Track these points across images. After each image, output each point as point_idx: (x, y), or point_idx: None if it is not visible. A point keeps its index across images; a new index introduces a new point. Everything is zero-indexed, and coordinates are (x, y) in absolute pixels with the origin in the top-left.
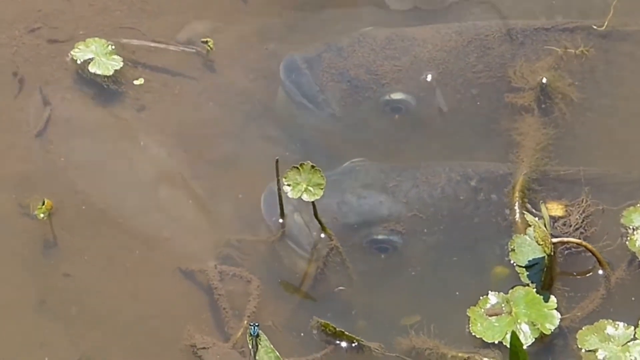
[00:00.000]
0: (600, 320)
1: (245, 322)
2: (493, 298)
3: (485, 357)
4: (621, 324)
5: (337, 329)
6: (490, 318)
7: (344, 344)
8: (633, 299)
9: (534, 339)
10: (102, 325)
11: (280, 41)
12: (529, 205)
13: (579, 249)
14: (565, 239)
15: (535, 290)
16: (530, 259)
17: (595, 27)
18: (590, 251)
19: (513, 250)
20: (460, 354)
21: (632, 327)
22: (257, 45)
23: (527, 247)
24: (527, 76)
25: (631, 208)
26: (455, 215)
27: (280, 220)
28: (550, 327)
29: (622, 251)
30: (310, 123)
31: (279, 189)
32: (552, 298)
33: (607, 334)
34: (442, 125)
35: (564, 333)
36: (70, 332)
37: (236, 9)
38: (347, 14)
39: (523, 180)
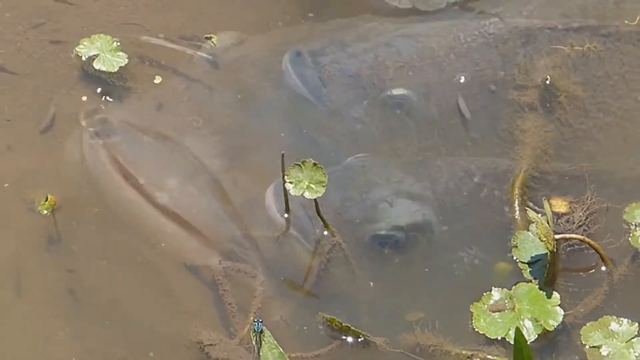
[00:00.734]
0: (605, 316)
1: (251, 318)
2: (496, 294)
3: (490, 354)
4: (625, 320)
5: (343, 324)
6: (493, 314)
7: (350, 339)
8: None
9: (537, 336)
10: (106, 321)
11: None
12: (530, 203)
13: (582, 246)
14: (568, 235)
15: (538, 286)
16: (533, 255)
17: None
18: (593, 247)
19: (516, 246)
20: (464, 351)
21: (636, 324)
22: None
23: (530, 244)
24: (531, 74)
25: (633, 204)
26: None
27: (286, 215)
28: (553, 323)
29: (625, 248)
30: (313, 117)
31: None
32: (555, 294)
33: (611, 330)
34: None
35: (568, 329)
36: (74, 327)
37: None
38: (352, 13)
39: (525, 176)
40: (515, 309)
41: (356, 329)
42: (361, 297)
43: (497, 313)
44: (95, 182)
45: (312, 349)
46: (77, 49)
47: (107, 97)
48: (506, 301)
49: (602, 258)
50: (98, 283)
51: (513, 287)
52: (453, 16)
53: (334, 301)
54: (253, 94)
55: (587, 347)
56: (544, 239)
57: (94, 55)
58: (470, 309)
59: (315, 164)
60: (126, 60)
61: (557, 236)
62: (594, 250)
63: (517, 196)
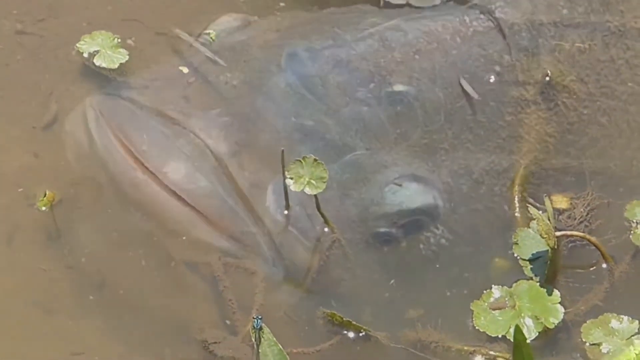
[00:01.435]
0: (605, 314)
1: (253, 315)
2: (497, 291)
3: (491, 350)
4: (625, 317)
5: (345, 319)
6: (493, 312)
7: (351, 334)
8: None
9: (537, 333)
10: (106, 318)
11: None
12: (531, 200)
13: (583, 242)
14: (569, 232)
15: (539, 283)
16: (534, 252)
17: None
18: (594, 244)
19: (517, 243)
20: (466, 347)
21: (637, 321)
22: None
23: (531, 240)
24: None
25: (634, 202)
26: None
27: (286, 212)
28: (554, 321)
29: (626, 244)
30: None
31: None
32: (556, 292)
33: (612, 327)
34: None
35: (568, 327)
36: (73, 325)
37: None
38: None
39: (525, 173)
40: (516, 307)
41: (357, 324)
42: (362, 292)
43: (497, 311)
44: (104, 164)
45: (314, 344)
46: (78, 45)
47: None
48: (507, 299)
49: (603, 255)
50: (97, 280)
51: (514, 285)
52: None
53: (335, 296)
54: (259, 77)
55: (587, 344)
56: (545, 236)
57: (95, 51)
58: (471, 307)
59: (315, 160)
60: (127, 57)
61: (558, 233)
62: (595, 247)
63: (517, 192)
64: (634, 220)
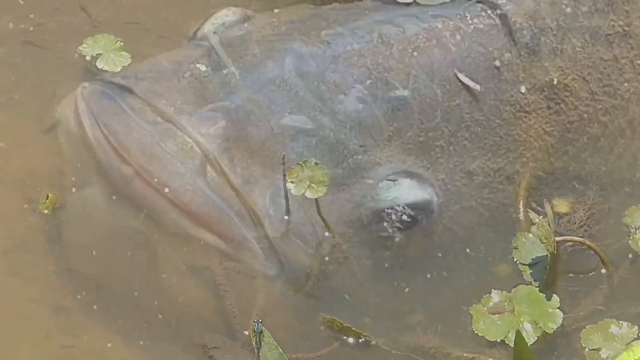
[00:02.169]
0: (604, 319)
1: (252, 319)
2: (496, 296)
3: (491, 357)
4: (625, 323)
5: (345, 325)
6: (493, 316)
7: (351, 340)
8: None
9: (536, 338)
10: (104, 323)
11: None
12: (533, 203)
13: (583, 246)
14: (569, 238)
15: (538, 288)
16: (534, 257)
17: None
18: (593, 250)
19: (516, 247)
20: (465, 354)
21: (636, 327)
22: None
23: (531, 245)
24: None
25: (633, 207)
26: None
27: (286, 217)
28: (552, 326)
29: (626, 249)
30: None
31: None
32: (555, 297)
33: (611, 332)
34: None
35: (567, 332)
36: (72, 328)
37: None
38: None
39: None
40: (515, 312)
41: (357, 330)
42: (362, 297)
43: (496, 315)
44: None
45: (313, 349)
46: (80, 48)
47: None
48: (506, 304)
49: (602, 261)
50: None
51: (513, 290)
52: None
53: (335, 302)
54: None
55: (586, 349)
56: (545, 241)
57: (98, 54)
58: (470, 311)
59: (316, 164)
60: (129, 60)
61: (558, 238)
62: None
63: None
64: (633, 226)
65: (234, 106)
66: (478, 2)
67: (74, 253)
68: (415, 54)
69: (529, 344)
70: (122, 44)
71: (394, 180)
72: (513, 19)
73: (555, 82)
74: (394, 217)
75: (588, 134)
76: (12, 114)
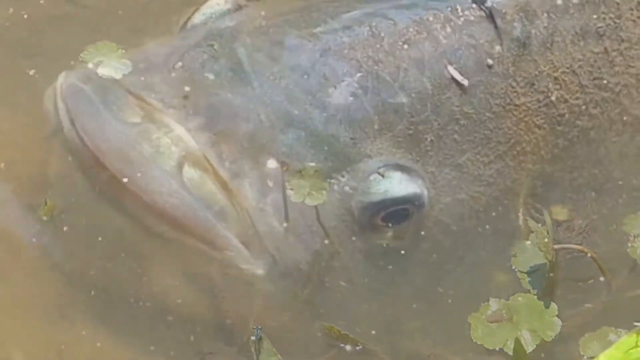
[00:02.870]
0: (603, 327)
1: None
2: (494, 304)
3: None
4: (623, 331)
5: (342, 332)
6: (491, 324)
7: (348, 347)
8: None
9: (535, 346)
10: (99, 329)
11: None
12: (532, 211)
13: (581, 254)
14: (567, 246)
15: (536, 296)
16: (532, 264)
17: None
18: (592, 257)
19: (515, 255)
20: None
21: (634, 335)
22: None
23: (529, 253)
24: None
25: (632, 215)
26: None
27: (285, 225)
28: (551, 334)
29: (625, 257)
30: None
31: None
32: (554, 305)
33: (610, 341)
34: None
35: (566, 340)
36: (68, 332)
37: None
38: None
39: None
40: (513, 320)
41: (354, 337)
42: (359, 304)
43: (495, 324)
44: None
45: (311, 356)
46: (82, 55)
47: None
48: (504, 312)
49: (600, 268)
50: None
51: (511, 298)
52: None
53: (332, 309)
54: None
55: (585, 358)
56: (543, 249)
57: (99, 61)
58: (469, 320)
59: (316, 171)
60: (131, 67)
61: (556, 246)
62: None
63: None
64: (632, 234)
65: (222, 99)
66: None
67: (69, 256)
68: (405, 46)
69: (527, 352)
70: (124, 51)
71: (383, 174)
72: (504, 11)
73: (545, 75)
74: (384, 210)
75: (577, 125)
76: (13, 119)
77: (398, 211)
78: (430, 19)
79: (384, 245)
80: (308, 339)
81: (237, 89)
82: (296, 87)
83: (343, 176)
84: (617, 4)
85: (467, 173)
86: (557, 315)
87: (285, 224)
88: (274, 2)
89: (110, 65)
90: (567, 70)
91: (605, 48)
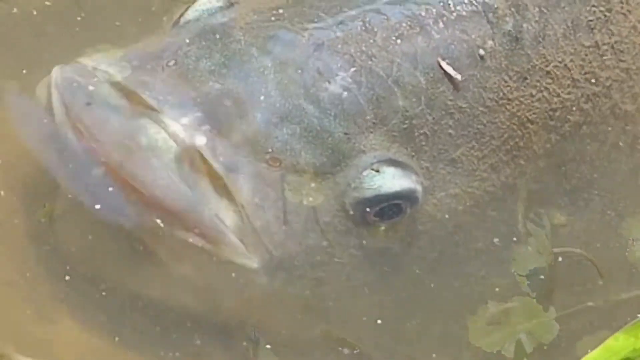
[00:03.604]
0: (600, 331)
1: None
2: (492, 307)
3: None
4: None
5: (340, 336)
6: (489, 327)
7: (346, 351)
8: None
9: (532, 350)
10: (94, 330)
11: None
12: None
13: (580, 258)
14: (566, 249)
15: (535, 299)
16: (531, 268)
17: None
18: (591, 262)
19: (514, 259)
20: None
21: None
22: None
23: (528, 256)
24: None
25: (631, 219)
26: None
27: (280, 219)
28: (549, 337)
29: (623, 261)
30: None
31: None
32: (552, 308)
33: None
34: None
35: (564, 343)
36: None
37: None
38: None
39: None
40: (511, 323)
41: (352, 341)
42: (354, 300)
43: (493, 326)
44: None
45: None
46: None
47: None
48: (502, 314)
49: (599, 272)
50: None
51: (509, 300)
52: None
53: (328, 304)
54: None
55: None
56: (542, 252)
57: (95, 58)
58: (467, 323)
59: (315, 172)
60: (126, 64)
61: (555, 250)
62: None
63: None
64: (631, 238)
65: (217, 95)
66: None
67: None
68: (398, 41)
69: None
70: (120, 49)
71: (377, 170)
72: (495, 6)
73: (537, 69)
74: (377, 206)
75: (569, 119)
76: (9, 128)
77: (391, 206)
78: (423, 14)
79: (378, 240)
80: (306, 342)
81: (231, 84)
82: (290, 82)
83: (337, 171)
84: None
85: (462, 168)
86: (555, 319)
87: (280, 219)
88: None
89: (106, 62)
90: (559, 65)
91: (596, 42)
